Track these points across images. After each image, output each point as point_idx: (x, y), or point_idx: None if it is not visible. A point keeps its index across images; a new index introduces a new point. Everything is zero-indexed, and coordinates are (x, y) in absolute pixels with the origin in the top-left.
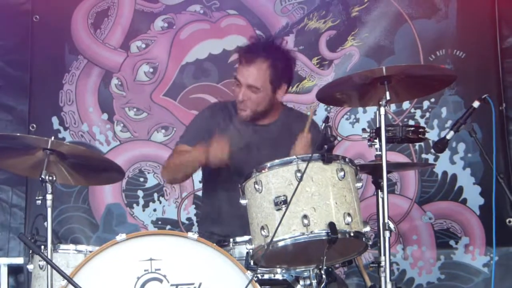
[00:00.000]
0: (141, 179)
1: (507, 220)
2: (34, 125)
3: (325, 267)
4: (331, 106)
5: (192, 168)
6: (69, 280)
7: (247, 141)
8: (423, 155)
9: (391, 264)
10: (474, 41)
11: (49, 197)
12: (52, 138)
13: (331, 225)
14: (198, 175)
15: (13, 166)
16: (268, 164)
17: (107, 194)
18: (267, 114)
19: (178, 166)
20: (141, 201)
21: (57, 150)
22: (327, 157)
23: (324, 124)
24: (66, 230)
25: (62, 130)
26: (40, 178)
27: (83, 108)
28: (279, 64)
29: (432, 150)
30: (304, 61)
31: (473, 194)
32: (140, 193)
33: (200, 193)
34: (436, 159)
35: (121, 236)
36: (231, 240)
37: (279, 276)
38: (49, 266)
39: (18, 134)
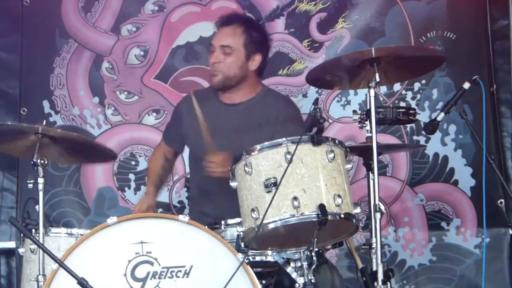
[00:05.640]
0: (133, 163)
1: (498, 201)
2: (25, 109)
3: (315, 249)
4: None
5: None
6: (60, 263)
7: (220, 123)
8: (415, 137)
9: (382, 246)
10: (465, 22)
11: (40, 180)
12: (44, 122)
13: (321, 207)
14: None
15: (6, 149)
16: (258, 147)
17: (99, 178)
18: (240, 86)
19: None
20: (133, 185)
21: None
22: (317, 139)
23: (313, 106)
24: (58, 214)
25: (53, 114)
26: (32, 162)
27: (74, 92)
28: (254, 33)
29: (424, 132)
30: (294, 43)
31: (464, 176)
32: (131, 176)
33: None
34: (427, 141)
35: (112, 219)
36: (223, 222)
37: (270, 258)
38: (40, 250)
39: (9, 123)
